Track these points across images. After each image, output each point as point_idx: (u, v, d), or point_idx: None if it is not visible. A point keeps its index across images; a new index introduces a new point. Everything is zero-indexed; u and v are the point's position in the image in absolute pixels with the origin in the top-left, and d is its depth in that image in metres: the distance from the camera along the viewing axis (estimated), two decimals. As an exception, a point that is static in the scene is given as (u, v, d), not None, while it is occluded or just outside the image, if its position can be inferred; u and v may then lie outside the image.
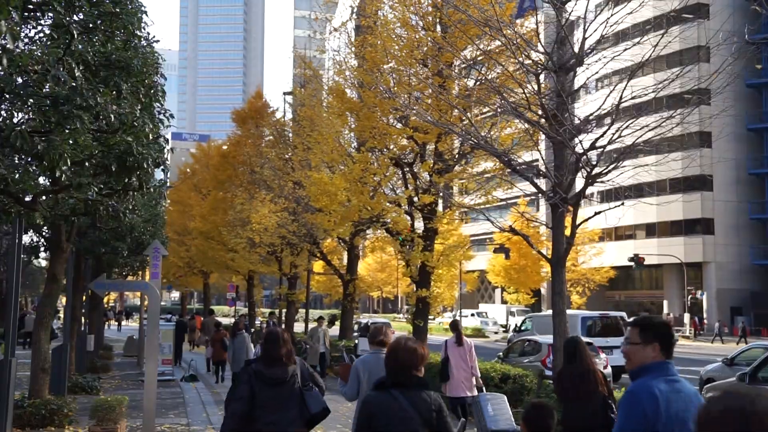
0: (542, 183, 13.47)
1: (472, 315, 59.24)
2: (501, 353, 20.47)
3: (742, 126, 57.29)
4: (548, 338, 16.87)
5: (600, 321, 23.63)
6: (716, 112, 13.95)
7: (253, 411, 5.82)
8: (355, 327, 31.23)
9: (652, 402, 3.63)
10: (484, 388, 12.19)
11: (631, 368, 3.91)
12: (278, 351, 5.98)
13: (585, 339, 14.48)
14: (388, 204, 19.55)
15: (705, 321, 54.28)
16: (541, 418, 4.68)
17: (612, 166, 11.71)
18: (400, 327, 58.06)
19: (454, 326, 12.25)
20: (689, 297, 54.00)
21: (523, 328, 29.25)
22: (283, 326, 29.47)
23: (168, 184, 16.83)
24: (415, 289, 19.36)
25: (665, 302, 58.96)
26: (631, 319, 4.68)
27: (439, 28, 18.41)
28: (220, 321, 25.98)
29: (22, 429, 11.56)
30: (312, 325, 24.81)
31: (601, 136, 11.67)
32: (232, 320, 34.57)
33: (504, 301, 67.52)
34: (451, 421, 4.69)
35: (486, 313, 59.90)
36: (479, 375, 12.19)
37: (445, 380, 11.76)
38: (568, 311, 36.03)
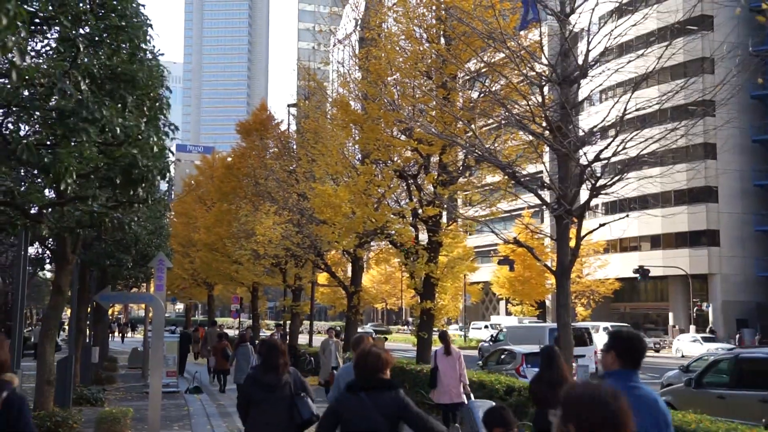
0: (546, 195, 13.46)
1: (485, 327, 58.66)
2: (480, 362, 22.23)
3: (746, 137, 57.25)
4: (522, 348, 19.37)
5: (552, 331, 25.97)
6: (721, 124, 13.99)
7: (250, 412, 6.55)
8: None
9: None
10: (472, 395, 12.47)
11: (602, 373, 4.49)
12: (275, 360, 6.61)
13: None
14: (392, 216, 19.55)
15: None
16: (498, 418, 5.05)
17: (617, 178, 11.71)
18: (403, 339, 58.02)
19: (443, 337, 12.87)
20: (695, 309, 53.81)
21: (500, 338, 33.70)
22: (287, 338, 29.46)
23: (173, 196, 16.87)
24: (419, 300, 19.34)
25: (671, 314, 58.78)
26: None
27: (443, 40, 18.46)
28: (224, 332, 26.03)
29: (26, 441, 11.56)
30: (320, 337, 24.59)
31: (606, 147, 11.68)
32: (237, 332, 34.65)
33: (509, 313, 67.36)
34: (426, 416, 5.09)
35: (500, 324, 58.72)
36: (467, 382, 12.70)
37: (433, 387, 12.50)
38: (538, 323, 36.88)
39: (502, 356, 20.13)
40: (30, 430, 4.02)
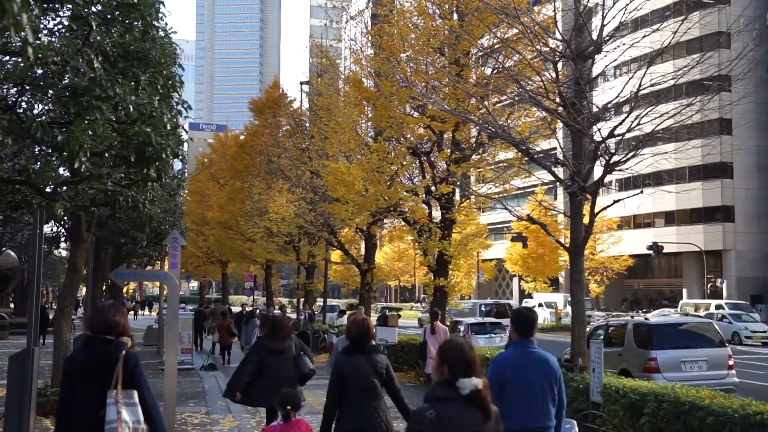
0: (560, 171, 13.41)
1: (540, 306, 52.89)
2: None
3: (763, 112, 56.65)
4: (469, 319, 26.35)
5: (494, 307, 35.48)
6: (737, 99, 13.86)
7: (262, 371, 8.61)
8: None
9: (501, 365, 5.64)
10: None
11: (508, 342, 6.32)
12: (281, 332, 8.87)
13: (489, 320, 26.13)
14: (405, 193, 19.54)
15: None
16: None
17: (631, 154, 11.64)
18: (415, 316, 58.10)
19: (434, 315, 14.86)
20: (709, 285, 53.60)
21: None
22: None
23: (186, 174, 16.93)
24: (432, 278, 19.36)
25: (684, 290, 58.60)
26: None
27: (455, 16, 18.32)
28: (229, 309, 26.77)
29: (45, 417, 11.71)
30: (335, 318, 24.34)
31: (620, 123, 11.60)
32: (249, 309, 35.02)
33: (522, 290, 67.32)
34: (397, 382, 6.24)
35: (555, 303, 53.18)
36: None
37: (422, 359, 14.26)
38: (471, 301, 39.64)
39: (457, 326, 24.63)
40: (144, 380, 4.94)
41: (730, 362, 14.95)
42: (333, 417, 5.88)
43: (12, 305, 52.96)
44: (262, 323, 13.26)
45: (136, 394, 4.83)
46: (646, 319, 20.86)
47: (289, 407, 6.27)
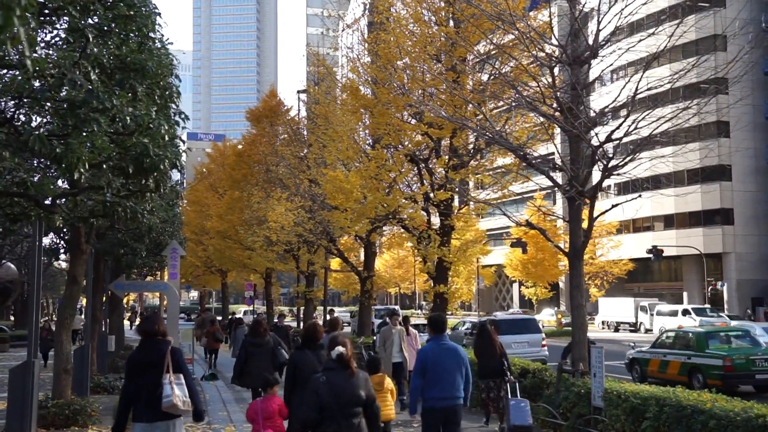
0: (558, 176, 13.42)
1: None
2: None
3: (760, 115, 56.74)
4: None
5: (385, 312, 35.61)
6: (734, 102, 13.87)
7: (248, 361, 11.79)
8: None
9: (424, 353, 8.03)
10: None
11: (428, 338, 8.54)
12: (260, 329, 12.21)
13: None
14: (404, 200, 19.55)
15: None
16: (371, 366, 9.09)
17: (629, 158, 11.65)
18: (417, 322, 57.98)
19: (405, 320, 15.87)
20: (709, 288, 53.57)
21: None
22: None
23: (184, 184, 16.93)
24: (432, 284, 19.35)
25: (685, 293, 58.56)
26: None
27: (451, 23, 18.36)
28: (215, 318, 30.07)
29: (46, 429, 11.68)
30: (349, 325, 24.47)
31: (617, 128, 11.61)
32: (251, 317, 35.10)
33: (522, 296, 67.16)
34: None
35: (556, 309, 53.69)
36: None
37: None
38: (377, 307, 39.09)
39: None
40: (186, 367, 6.87)
41: (543, 343, 22.80)
42: (290, 393, 7.72)
43: (12, 318, 52.86)
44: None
45: (183, 376, 6.69)
46: (494, 316, 29.97)
47: (267, 387, 8.40)
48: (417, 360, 8.09)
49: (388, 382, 9.18)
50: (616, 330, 50.38)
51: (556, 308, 59.11)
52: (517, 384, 12.18)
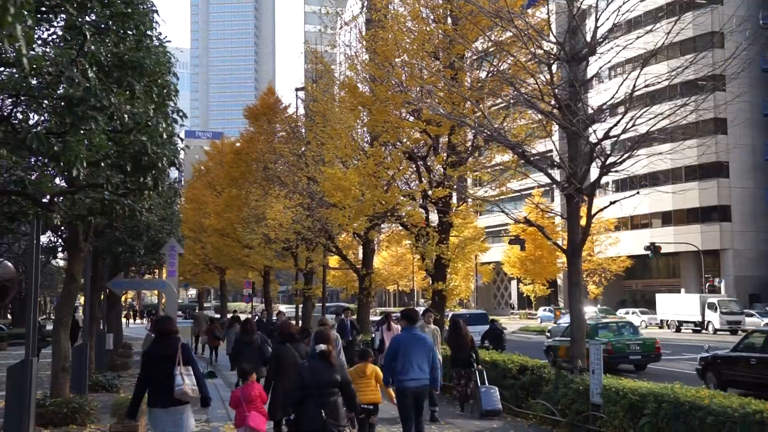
0: (556, 173, 13.42)
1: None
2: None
3: (757, 111, 56.79)
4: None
5: (337, 308, 38.16)
6: (731, 98, 13.86)
7: (239, 356, 13.38)
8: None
9: (396, 341, 9.59)
10: None
11: (403, 328, 10.00)
12: (249, 328, 13.89)
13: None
14: (402, 198, 19.54)
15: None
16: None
17: (626, 155, 11.66)
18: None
19: (387, 316, 16.84)
20: (707, 285, 53.65)
21: None
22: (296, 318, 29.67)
23: (182, 182, 16.92)
24: (431, 282, 19.35)
25: (683, 290, 58.67)
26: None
27: (449, 20, 18.35)
28: (213, 317, 31.58)
29: (44, 427, 11.67)
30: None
31: (615, 125, 11.62)
32: (248, 315, 35.11)
33: (520, 293, 67.11)
34: None
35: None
36: None
37: (381, 353, 15.33)
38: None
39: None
40: (195, 360, 7.78)
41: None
42: (272, 379, 9.40)
43: (10, 316, 52.83)
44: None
45: (192, 368, 7.62)
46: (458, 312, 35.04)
47: (246, 376, 9.44)
48: (389, 346, 9.88)
49: (373, 370, 9.64)
50: (678, 330, 46.09)
51: (553, 306, 59.21)
52: (485, 371, 13.51)
